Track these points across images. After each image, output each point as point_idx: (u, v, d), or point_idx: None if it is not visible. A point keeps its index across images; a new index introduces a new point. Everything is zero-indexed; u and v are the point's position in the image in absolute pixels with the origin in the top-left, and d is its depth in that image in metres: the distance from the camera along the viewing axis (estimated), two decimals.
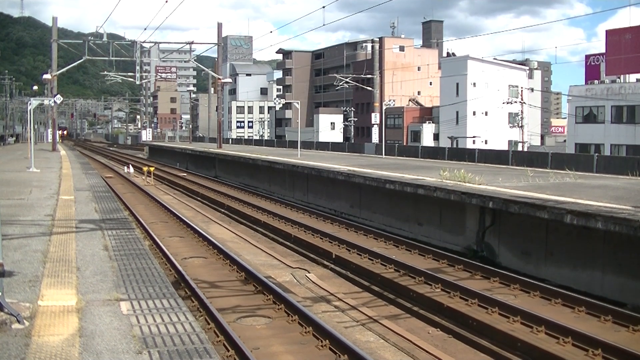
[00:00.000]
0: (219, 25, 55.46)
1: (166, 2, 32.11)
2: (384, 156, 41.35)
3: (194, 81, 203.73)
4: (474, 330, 10.80)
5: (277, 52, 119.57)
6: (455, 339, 10.73)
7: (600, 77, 56.79)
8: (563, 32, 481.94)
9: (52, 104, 44.71)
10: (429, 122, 77.96)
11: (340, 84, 72.66)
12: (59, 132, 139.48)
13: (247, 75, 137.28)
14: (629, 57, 51.36)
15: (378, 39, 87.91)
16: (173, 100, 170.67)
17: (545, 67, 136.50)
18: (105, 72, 71.26)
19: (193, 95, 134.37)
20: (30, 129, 36.63)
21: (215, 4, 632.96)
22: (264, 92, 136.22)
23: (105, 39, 49.68)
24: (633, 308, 12.03)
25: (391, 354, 10.02)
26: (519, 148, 60.64)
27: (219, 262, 16.11)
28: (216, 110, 63.81)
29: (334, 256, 16.60)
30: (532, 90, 70.63)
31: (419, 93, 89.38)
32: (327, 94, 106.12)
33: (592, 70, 59.84)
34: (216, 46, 55.62)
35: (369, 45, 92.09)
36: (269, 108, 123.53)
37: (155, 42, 64.64)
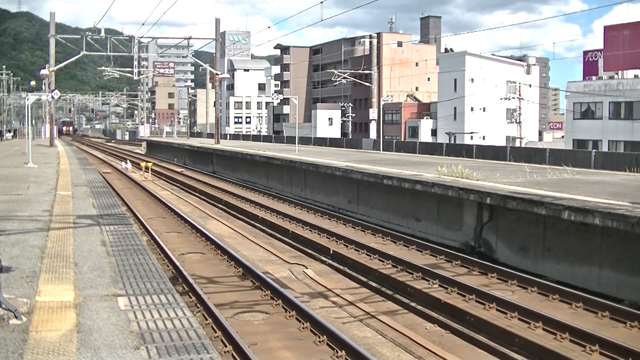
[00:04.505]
0: (217, 21, 55.41)
1: None
2: (381, 152, 41.34)
3: (192, 77, 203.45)
4: (472, 326, 10.81)
5: (274, 48, 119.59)
6: (452, 334, 10.74)
7: (598, 73, 56.77)
8: (559, 28, 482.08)
9: (50, 100, 44.65)
10: (426, 118, 77.96)
11: (338, 79, 72.75)
12: (64, 128, 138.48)
13: (245, 70, 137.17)
14: (627, 53, 51.35)
15: (376, 35, 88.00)
16: (171, 95, 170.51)
17: (543, 63, 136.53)
18: (103, 68, 71.17)
19: (191, 91, 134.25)
20: (27, 124, 36.57)
21: (212, 0, 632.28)
22: (261, 87, 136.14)
23: (103, 34, 49.64)
24: (630, 304, 12.06)
25: (389, 349, 10.03)
26: (517, 144, 60.69)
27: (216, 257, 16.10)
28: (214, 106, 63.75)
29: (331, 252, 16.60)
30: (530, 86, 70.62)
31: (417, 89, 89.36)
32: (325, 90, 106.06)
33: (590, 66, 59.81)
34: (214, 41, 55.55)
35: (367, 41, 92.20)
36: (267, 103, 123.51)
37: (153, 38, 64.66)
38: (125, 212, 17.60)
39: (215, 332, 9.99)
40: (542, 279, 13.72)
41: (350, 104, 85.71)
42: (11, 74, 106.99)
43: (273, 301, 11.97)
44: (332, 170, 25.78)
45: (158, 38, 63.64)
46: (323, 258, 16.43)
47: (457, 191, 17.67)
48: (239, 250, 17.01)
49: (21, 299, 7.31)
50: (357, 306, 12.24)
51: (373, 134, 62.65)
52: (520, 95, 65.28)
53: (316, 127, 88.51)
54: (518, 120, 64.85)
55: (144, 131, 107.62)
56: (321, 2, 28.68)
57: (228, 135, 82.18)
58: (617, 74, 54.50)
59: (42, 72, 47.48)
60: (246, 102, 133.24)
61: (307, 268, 15.47)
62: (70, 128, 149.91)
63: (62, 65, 52.41)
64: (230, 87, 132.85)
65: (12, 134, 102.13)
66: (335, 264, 15.75)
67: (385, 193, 22.30)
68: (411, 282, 13.41)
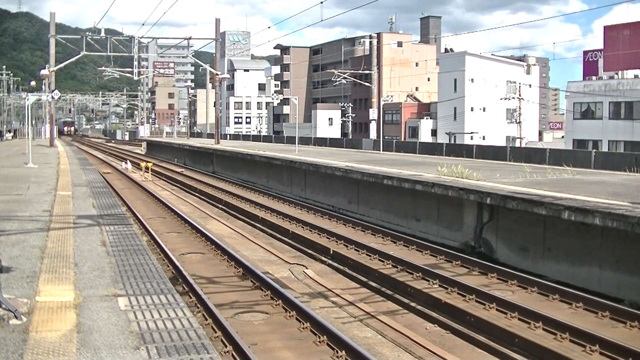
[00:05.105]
0: (217, 21, 55.41)
1: None
2: (381, 152, 41.35)
3: (192, 77, 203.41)
4: (472, 326, 10.81)
5: (274, 48, 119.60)
6: (453, 334, 10.74)
7: (598, 73, 56.76)
8: (559, 28, 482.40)
9: (50, 100, 44.67)
10: (426, 118, 77.96)
11: (338, 79, 72.71)
12: (65, 128, 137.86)
13: (245, 70, 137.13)
14: (627, 53, 51.33)
15: (376, 35, 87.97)
16: (171, 95, 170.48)
17: (543, 63, 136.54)
18: (103, 68, 71.16)
19: (191, 91, 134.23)
20: (27, 124, 36.57)
21: (212, 0, 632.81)
22: (261, 87, 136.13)
23: (103, 34, 49.66)
24: (630, 304, 12.06)
25: (389, 349, 10.03)
26: (517, 144, 60.70)
27: (216, 257, 16.11)
28: (214, 106, 63.75)
29: (331, 252, 16.60)
30: (530, 86, 70.61)
31: (417, 89, 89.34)
32: (325, 90, 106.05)
33: (590, 66, 59.81)
34: (214, 42, 55.54)
35: (367, 41, 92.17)
36: (267, 104, 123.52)
37: (153, 38, 64.68)
38: (125, 212, 17.59)
39: (216, 332, 9.99)
40: (542, 279, 13.72)
41: (350, 104, 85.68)
42: (11, 74, 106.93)
43: (273, 301, 11.97)
44: (332, 171, 25.78)
45: (158, 38, 63.78)
46: (323, 258, 16.43)
47: (457, 191, 17.67)
48: (239, 251, 17.01)
49: (21, 299, 7.31)
50: (357, 306, 12.24)
51: (373, 134, 62.54)
52: (520, 95, 65.27)
53: (316, 127, 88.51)
54: (518, 120, 64.84)
55: (144, 131, 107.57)
56: (321, 3, 28.69)
57: (228, 136, 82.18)
58: (617, 74, 54.48)
59: (42, 72, 47.48)
60: (246, 102, 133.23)
61: (307, 268, 15.47)
62: (72, 128, 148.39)
63: (62, 65, 52.41)
64: (230, 87, 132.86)
65: (12, 134, 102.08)
66: (336, 264, 15.75)
67: (385, 193, 22.30)
68: (411, 282, 13.41)
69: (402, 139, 71.62)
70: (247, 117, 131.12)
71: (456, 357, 9.65)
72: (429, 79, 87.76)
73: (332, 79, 74.88)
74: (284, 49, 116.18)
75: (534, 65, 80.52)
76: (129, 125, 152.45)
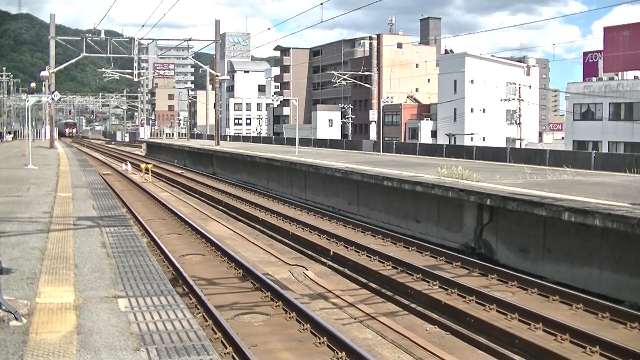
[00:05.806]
0: (217, 22, 55.46)
1: None
2: (381, 153, 41.33)
3: (192, 78, 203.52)
4: (472, 327, 10.81)
5: (274, 49, 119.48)
6: (453, 336, 10.74)
7: (598, 74, 56.79)
8: (559, 29, 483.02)
9: (50, 101, 44.68)
10: (426, 119, 77.99)
11: (338, 81, 72.72)
12: (66, 130, 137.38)
13: (245, 72, 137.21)
14: (626, 54, 51.38)
15: (376, 36, 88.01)
16: (171, 97, 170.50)
17: (543, 65, 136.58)
18: (103, 69, 71.16)
19: (191, 92, 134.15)
20: (27, 126, 36.58)
21: (212, 2, 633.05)
22: (261, 89, 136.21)
23: (103, 36, 49.70)
24: (630, 305, 12.06)
25: (389, 351, 10.03)
26: (517, 145, 60.71)
27: (216, 259, 16.10)
28: (214, 107, 63.76)
29: (331, 253, 16.60)
30: (530, 87, 70.64)
31: (417, 90, 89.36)
32: (325, 91, 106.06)
33: (589, 68, 59.85)
34: (214, 43, 55.57)
35: (367, 43, 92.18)
36: (267, 105, 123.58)
37: (153, 39, 64.67)
38: (125, 213, 17.58)
39: (216, 333, 9.99)
40: (542, 280, 13.72)
41: (350, 105, 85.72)
42: (11, 76, 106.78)
43: (273, 302, 11.96)
44: (332, 172, 25.78)
45: (158, 40, 63.91)
46: (323, 259, 16.42)
47: (457, 192, 17.67)
48: (239, 252, 17.00)
49: (21, 300, 7.31)
50: (358, 307, 12.24)
51: (373, 136, 62.60)
52: (520, 96, 65.35)
53: (316, 128, 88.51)
54: (518, 122, 64.92)
55: (144, 133, 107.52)
56: (321, 4, 28.69)
57: (228, 137, 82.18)
58: (617, 75, 54.50)
59: (42, 73, 47.55)
60: (246, 104, 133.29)
61: (307, 269, 15.46)
62: (74, 130, 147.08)
63: (62, 67, 52.42)
64: (230, 89, 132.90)
65: (12, 135, 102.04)
66: (336, 266, 15.74)
67: (385, 194, 22.30)
68: (411, 284, 13.41)
69: (402, 140, 71.63)
70: (247, 119, 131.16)
71: (456, 359, 9.64)
72: (429, 80, 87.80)
73: (332, 80, 74.95)
74: (284, 51, 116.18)
75: (534, 66, 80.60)
76: (129, 126, 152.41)
